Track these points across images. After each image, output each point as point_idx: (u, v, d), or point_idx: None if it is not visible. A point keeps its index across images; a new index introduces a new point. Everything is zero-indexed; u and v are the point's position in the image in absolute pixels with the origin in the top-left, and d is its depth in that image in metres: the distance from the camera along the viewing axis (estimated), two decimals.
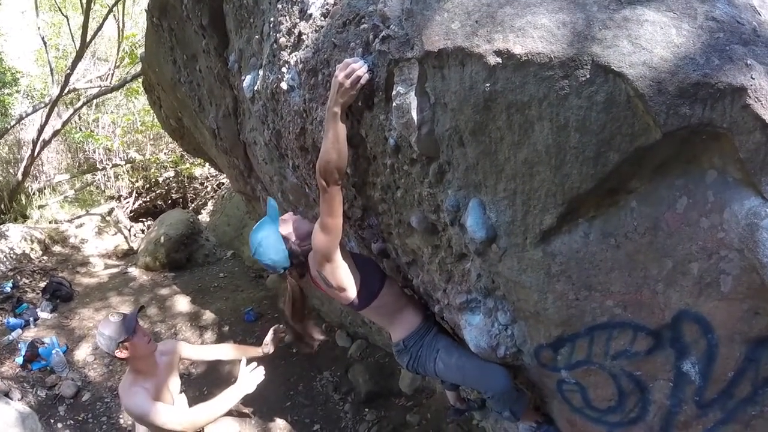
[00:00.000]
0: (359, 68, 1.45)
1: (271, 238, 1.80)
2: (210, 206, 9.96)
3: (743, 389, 1.31)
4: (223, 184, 10.04)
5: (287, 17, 1.84)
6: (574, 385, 1.64)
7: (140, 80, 6.41)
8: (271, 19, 1.96)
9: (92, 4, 6.90)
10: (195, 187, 10.91)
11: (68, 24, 8.28)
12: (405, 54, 1.34)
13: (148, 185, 10.55)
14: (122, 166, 10.06)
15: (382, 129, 1.54)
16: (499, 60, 1.17)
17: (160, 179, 10.47)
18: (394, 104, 1.43)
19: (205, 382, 4.43)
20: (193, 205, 10.44)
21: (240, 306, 5.73)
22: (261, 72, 2.14)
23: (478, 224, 1.43)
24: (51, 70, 8.34)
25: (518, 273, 1.45)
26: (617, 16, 1.14)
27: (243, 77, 2.42)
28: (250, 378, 2.20)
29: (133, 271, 6.96)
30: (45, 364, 4.47)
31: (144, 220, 9.93)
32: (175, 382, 2.38)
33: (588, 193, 1.23)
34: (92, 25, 7.57)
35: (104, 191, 10.39)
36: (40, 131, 8.00)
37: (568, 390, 1.68)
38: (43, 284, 5.98)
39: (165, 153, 10.39)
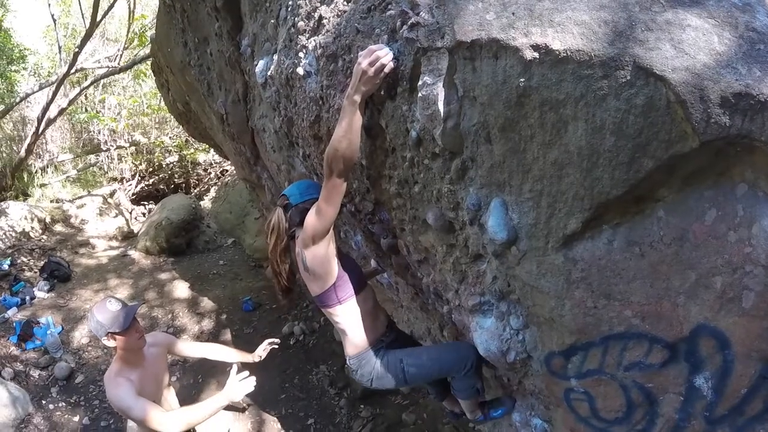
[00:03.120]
0: (384, 56, 1.39)
1: (312, 184, 1.95)
2: (212, 193, 9.95)
3: (755, 407, 1.29)
4: (227, 171, 10.02)
5: (307, 1, 1.79)
6: (582, 395, 1.61)
7: (149, 62, 6.37)
8: (290, 2, 1.92)
9: None
10: (198, 173, 10.91)
11: (79, 2, 8.22)
12: (434, 43, 1.29)
13: (151, 169, 10.55)
14: (126, 148, 10.04)
15: (404, 120, 1.50)
16: (536, 55, 1.12)
17: (164, 163, 10.46)
18: (419, 95, 1.38)
19: (200, 370, 4.41)
20: (195, 191, 10.43)
21: (238, 294, 5.71)
22: (275, 57, 2.10)
23: (499, 225, 1.39)
24: (59, 48, 8.30)
25: (537, 277, 1.41)
26: (660, 19, 1.10)
27: (256, 62, 2.38)
28: (238, 387, 2.16)
29: (133, 253, 6.93)
30: (39, 344, 4.45)
31: (146, 203, 9.93)
32: (162, 375, 2.34)
33: (617, 199, 1.20)
34: (103, 5, 7.52)
35: (107, 173, 10.38)
36: (46, 109, 7.97)
37: (575, 399, 1.65)
38: (41, 263, 5.95)
39: (170, 137, 10.36)
